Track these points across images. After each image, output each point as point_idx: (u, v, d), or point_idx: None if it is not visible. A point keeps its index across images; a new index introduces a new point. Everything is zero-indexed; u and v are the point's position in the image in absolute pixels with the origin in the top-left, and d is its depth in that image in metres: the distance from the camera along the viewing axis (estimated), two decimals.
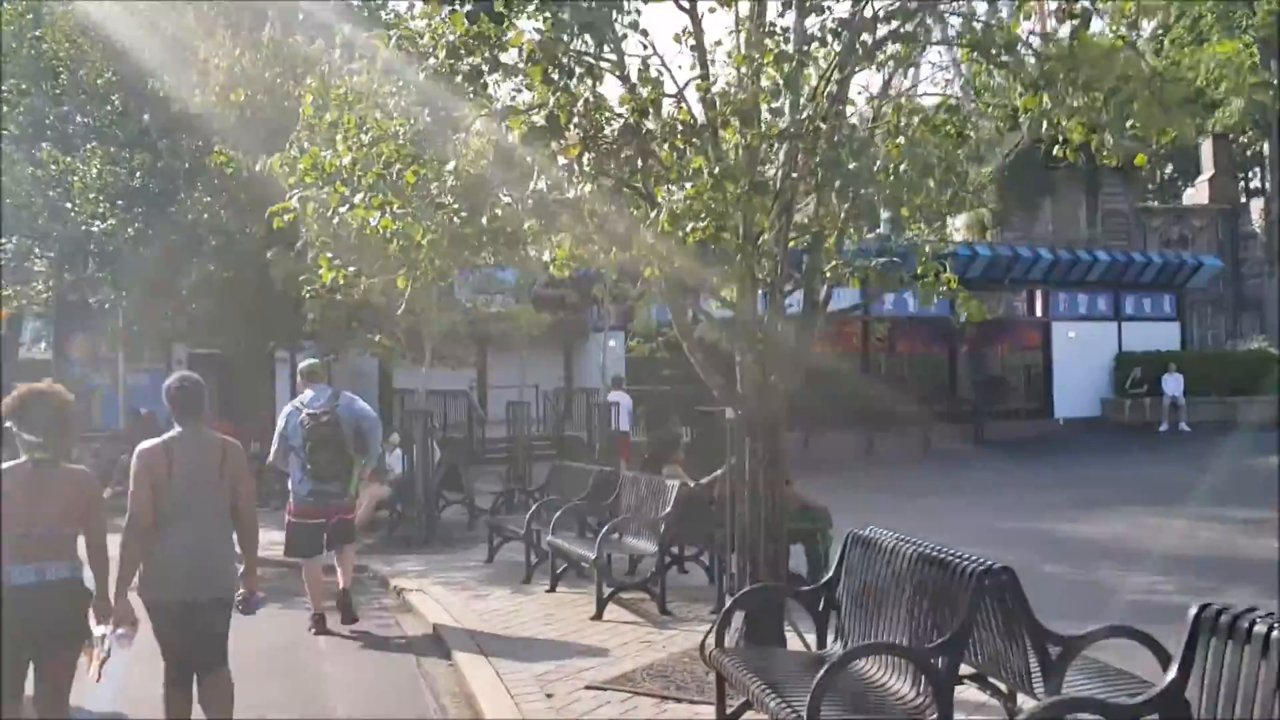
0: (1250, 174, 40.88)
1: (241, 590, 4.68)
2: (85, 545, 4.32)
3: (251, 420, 18.00)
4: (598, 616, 7.58)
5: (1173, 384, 25.84)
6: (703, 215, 4.60)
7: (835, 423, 20.63)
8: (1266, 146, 36.07)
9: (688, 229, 4.62)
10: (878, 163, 5.28)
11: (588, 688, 5.90)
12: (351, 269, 6.19)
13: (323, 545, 7.70)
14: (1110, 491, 15.46)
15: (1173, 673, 3.35)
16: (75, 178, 12.66)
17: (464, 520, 12.77)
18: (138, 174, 12.69)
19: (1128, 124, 5.82)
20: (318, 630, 7.56)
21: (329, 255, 5.85)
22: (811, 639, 5.44)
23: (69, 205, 12.97)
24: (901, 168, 5.21)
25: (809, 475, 10.75)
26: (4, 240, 13.84)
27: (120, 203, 12.77)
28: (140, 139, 12.23)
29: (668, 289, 6.28)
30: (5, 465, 4.32)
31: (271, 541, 12.06)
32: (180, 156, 11.63)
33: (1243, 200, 36.95)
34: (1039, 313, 28.40)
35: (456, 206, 5.02)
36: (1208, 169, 35.42)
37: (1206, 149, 35.03)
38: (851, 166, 4.85)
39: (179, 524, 4.48)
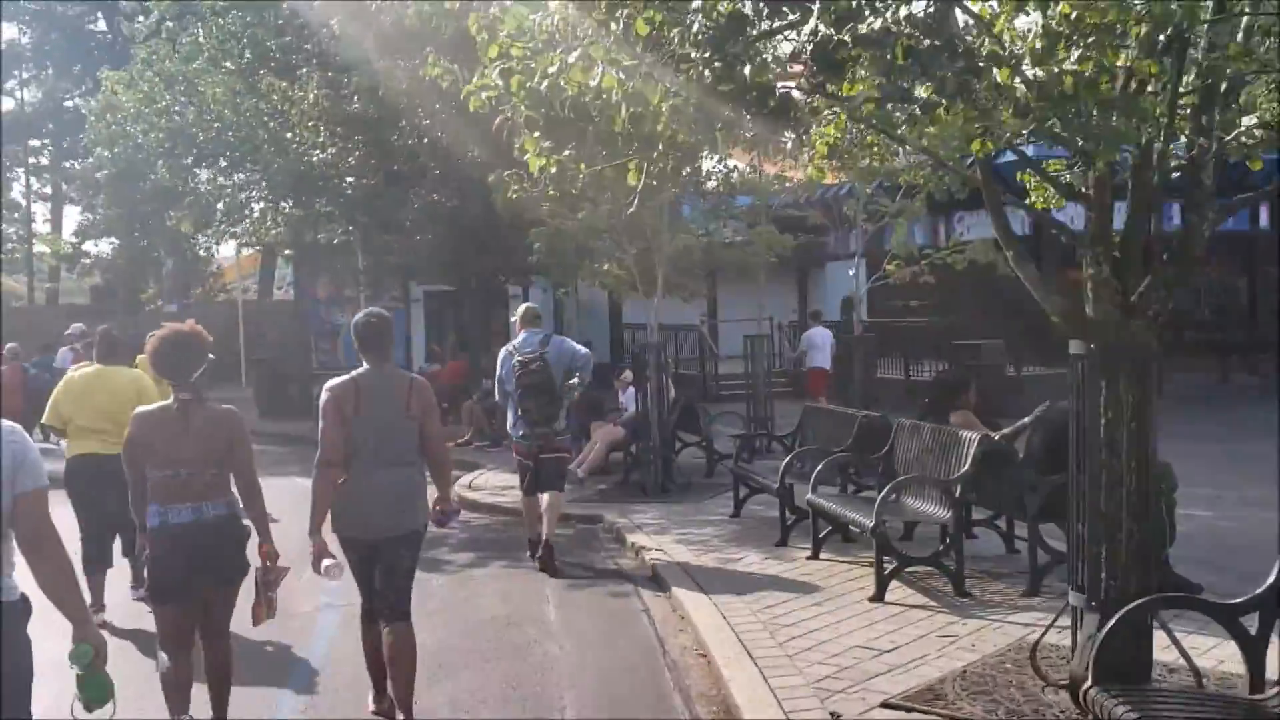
0: None
1: (436, 508, 4.67)
2: (236, 485, 4.29)
3: (485, 357, 17.69)
4: (878, 597, 6.15)
5: None
6: (1087, 34, 2.98)
7: None
8: None
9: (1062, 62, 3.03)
10: None
11: (884, 705, 4.51)
12: (567, 153, 4.88)
13: (535, 486, 7.81)
14: None
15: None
16: (293, 106, 12.25)
17: (701, 464, 11.63)
18: (355, 98, 12.10)
19: None
20: (531, 553, 7.75)
21: (536, 136, 4.58)
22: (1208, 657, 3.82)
23: (289, 136, 12.66)
24: None
25: None
26: (230, 179, 13.77)
27: (339, 129, 12.29)
28: (358, 64, 11.58)
29: (985, 183, 4.67)
30: (145, 409, 4.39)
31: (502, 485, 11.79)
32: (397, 78, 10.83)
33: None
34: None
35: (708, 57, 3.62)
36: None
37: None
38: None
39: (369, 460, 4.42)
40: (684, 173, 9.74)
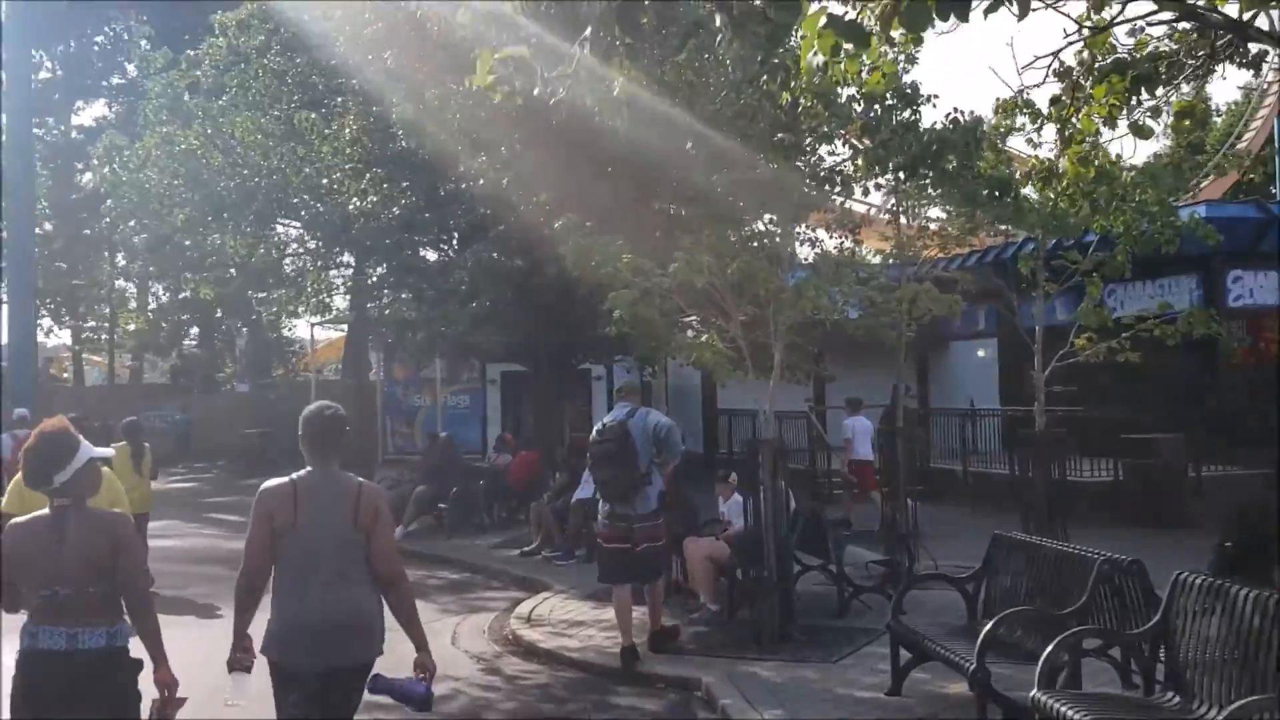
0: None
1: (417, 674, 3.89)
2: (125, 602, 3.72)
3: (560, 449, 15.32)
4: None
5: None
6: None
7: None
8: None
9: None
10: None
11: None
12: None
13: (627, 573, 7.35)
14: None
15: None
16: (327, 144, 10.26)
17: (828, 595, 8.91)
18: (399, 135, 10.02)
19: None
20: (625, 667, 7.11)
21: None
22: None
23: (325, 182, 10.69)
24: None
25: None
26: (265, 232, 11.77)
27: (380, 171, 10.23)
28: (403, 92, 9.53)
29: None
30: (18, 520, 3.83)
31: (571, 620, 9.32)
32: (447, 106, 8.71)
33: None
34: None
35: None
36: None
37: None
38: None
39: (307, 578, 3.86)
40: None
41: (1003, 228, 11.67)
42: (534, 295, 10.86)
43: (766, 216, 9.20)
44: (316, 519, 3.87)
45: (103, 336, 36.54)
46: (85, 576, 3.61)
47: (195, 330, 34.59)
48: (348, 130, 10.13)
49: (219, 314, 34.27)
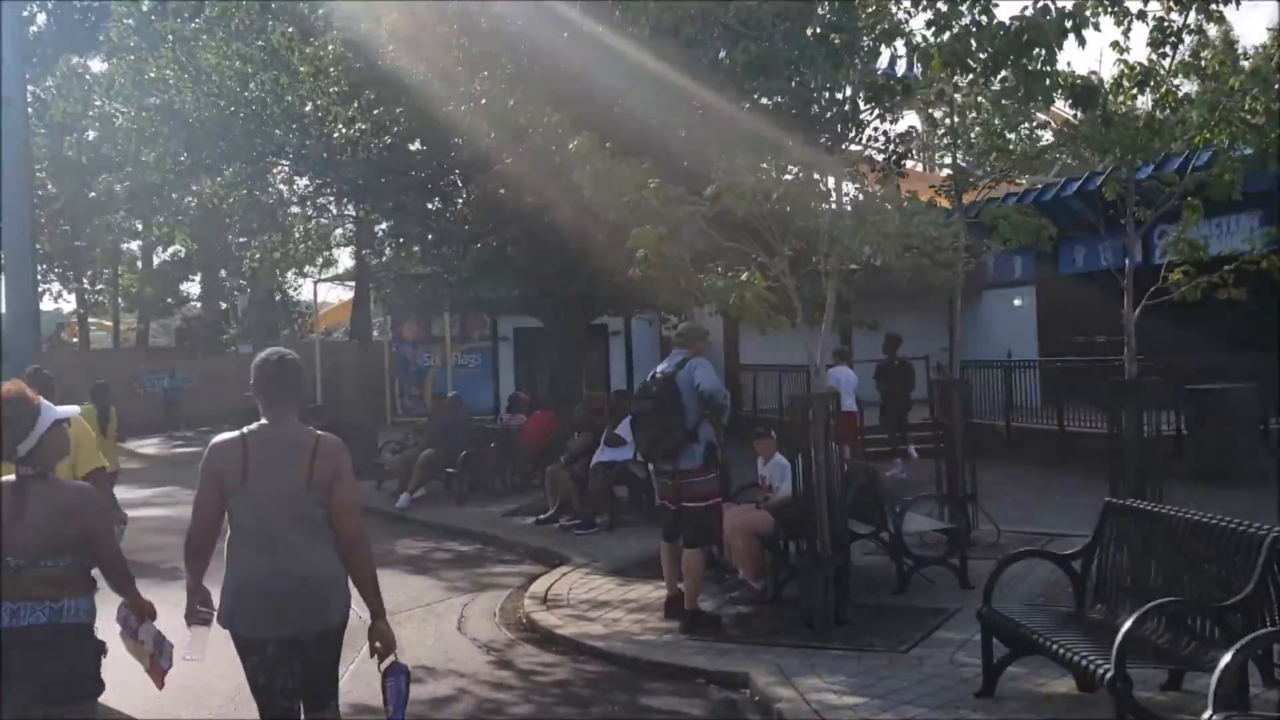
0: None
1: (374, 644, 3.66)
2: (101, 572, 3.64)
3: (579, 408, 14.24)
4: None
5: None
6: None
7: None
8: None
9: None
10: None
11: None
12: None
13: (677, 532, 6.85)
14: None
15: None
16: (306, 65, 9.04)
17: (883, 567, 7.87)
18: (390, 50, 8.74)
19: None
20: (667, 615, 6.86)
21: None
22: None
23: (309, 109, 9.46)
24: None
25: None
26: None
27: (370, 94, 9.00)
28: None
29: None
30: None
31: (594, 599, 7.75)
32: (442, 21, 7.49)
33: None
34: None
35: None
36: None
37: None
38: None
39: (259, 540, 3.59)
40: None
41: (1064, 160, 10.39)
42: (546, 237, 9.69)
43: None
44: (267, 476, 3.59)
45: (104, 300, 35.59)
46: (41, 551, 3.44)
47: (197, 291, 33.65)
48: (330, 47, 8.94)
49: (222, 274, 33.29)
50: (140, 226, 21.74)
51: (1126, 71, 7.33)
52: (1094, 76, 7.03)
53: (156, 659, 3.80)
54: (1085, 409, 14.90)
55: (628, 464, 10.67)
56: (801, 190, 6.66)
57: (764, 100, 8.16)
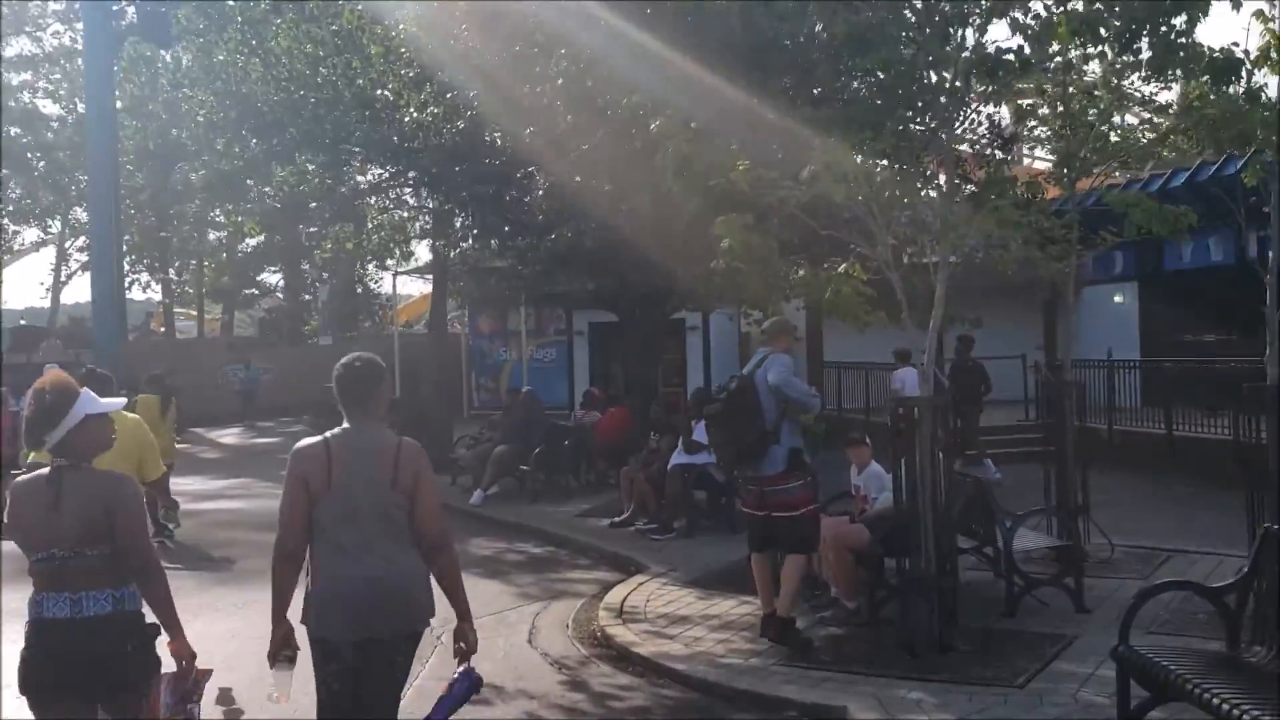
0: None
1: (459, 645, 3.68)
2: (127, 568, 3.42)
3: (653, 400, 13.78)
4: None
5: None
6: None
7: None
8: None
9: None
10: None
11: None
12: None
13: (765, 542, 6.39)
14: None
15: None
16: (376, 45, 8.64)
17: (990, 586, 7.22)
18: (463, 29, 8.31)
19: None
20: (763, 633, 6.32)
21: None
22: None
23: (379, 94, 9.07)
24: None
25: None
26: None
27: (441, 75, 8.55)
28: None
29: None
30: (23, 477, 3.56)
31: (671, 613, 7.18)
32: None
33: None
34: None
35: None
36: None
37: None
38: None
39: (346, 542, 3.58)
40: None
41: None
42: (622, 227, 9.20)
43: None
44: (352, 479, 3.60)
45: (190, 290, 36.29)
46: (82, 539, 3.37)
47: (279, 282, 34.06)
48: (402, 27, 8.56)
49: (304, 266, 33.63)
50: (221, 217, 21.86)
51: (1275, 42, 6.55)
52: (1236, 48, 6.29)
53: None
54: (1193, 412, 14.02)
55: (707, 467, 10.16)
56: (907, 174, 6.04)
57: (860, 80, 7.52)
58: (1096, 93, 7.52)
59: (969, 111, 7.54)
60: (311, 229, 15.34)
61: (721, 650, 6.28)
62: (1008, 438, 14.91)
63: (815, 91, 7.31)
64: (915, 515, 6.13)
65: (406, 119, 9.60)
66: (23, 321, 33.65)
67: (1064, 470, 8.49)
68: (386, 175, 12.20)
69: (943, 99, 6.51)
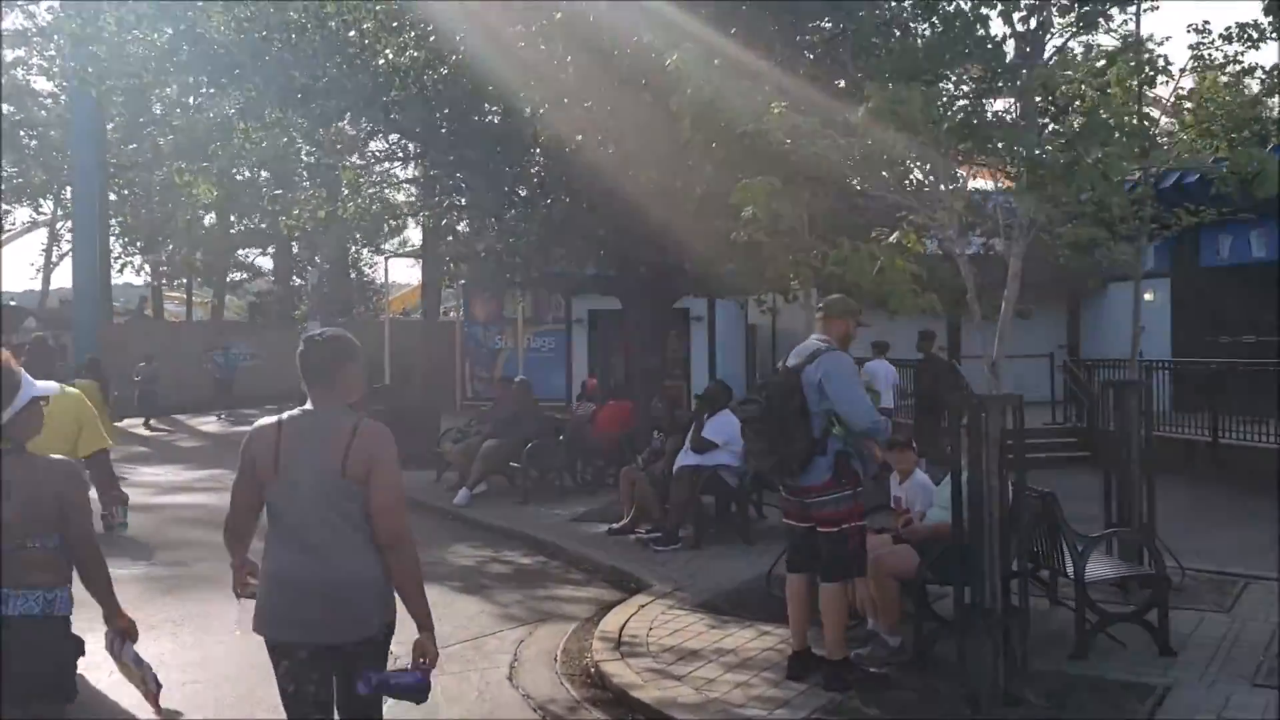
0: None
1: (420, 659, 3.25)
2: (73, 555, 3.37)
3: (656, 394, 12.69)
4: None
5: None
6: None
7: None
8: None
9: None
10: None
11: None
12: None
13: (805, 560, 5.43)
14: None
15: None
16: None
17: (1052, 618, 6.15)
18: None
19: None
20: (791, 674, 5.39)
21: None
22: None
23: (352, 35, 7.90)
24: None
25: None
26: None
27: (424, 27, 7.40)
28: None
29: None
30: None
31: (678, 643, 5.80)
32: None
33: None
34: None
35: None
36: None
37: None
38: None
39: (289, 536, 3.30)
40: None
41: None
42: (627, 194, 8.09)
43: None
44: (298, 465, 3.29)
45: (178, 272, 35.18)
46: (25, 530, 3.25)
47: (269, 264, 33.00)
48: None
49: (294, 249, 32.52)
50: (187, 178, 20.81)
51: None
52: None
53: (147, 682, 3.53)
54: (1232, 418, 13.11)
55: (717, 469, 9.08)
56: (975, 125, 4.94)
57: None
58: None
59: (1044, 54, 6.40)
60: (276, 191, 14.23)
61: (740, 697, 5.19)
62: (1034, 441, 13.95)
63: (861, 39, 6.21)
64: (978, 536, 5.05)
65: (381, 61, 8.47)
66: (12, 303, 32.64)
67: (1128, 482, 7.42)
68: (364, 134, 11.11)
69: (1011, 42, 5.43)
